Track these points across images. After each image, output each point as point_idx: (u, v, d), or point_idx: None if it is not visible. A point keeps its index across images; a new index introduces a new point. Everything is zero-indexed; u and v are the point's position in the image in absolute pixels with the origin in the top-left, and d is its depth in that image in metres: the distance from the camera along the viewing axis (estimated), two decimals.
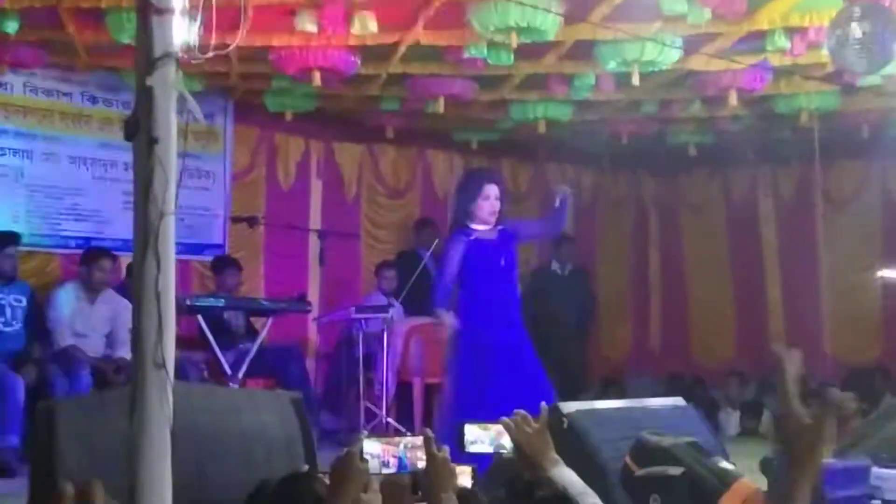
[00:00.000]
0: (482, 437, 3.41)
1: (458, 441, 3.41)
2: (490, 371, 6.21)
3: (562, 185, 6.54)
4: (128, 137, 2.69)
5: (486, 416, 3.53)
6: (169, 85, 2.67)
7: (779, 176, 11.39)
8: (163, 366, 2.56)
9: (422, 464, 2.97)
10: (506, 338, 6.35)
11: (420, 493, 2.91)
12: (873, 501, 4.57)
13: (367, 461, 2.91)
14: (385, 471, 2.97)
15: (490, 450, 3.42)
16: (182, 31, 2.75)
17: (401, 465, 3.12)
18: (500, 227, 6.50)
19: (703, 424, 4.76)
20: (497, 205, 6.44)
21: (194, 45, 2.79)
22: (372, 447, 3.06)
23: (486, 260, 6.41)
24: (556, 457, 3.05)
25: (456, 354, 6.40)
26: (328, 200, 10.17)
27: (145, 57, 2.67)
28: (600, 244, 11.94)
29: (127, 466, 2.55)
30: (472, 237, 6.39)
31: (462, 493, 2.97)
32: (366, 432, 3.11)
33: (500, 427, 3.27)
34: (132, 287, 2.69)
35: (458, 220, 6.51)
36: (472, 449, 3.40)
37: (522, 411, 3.16)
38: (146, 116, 2.64)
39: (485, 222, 6.42)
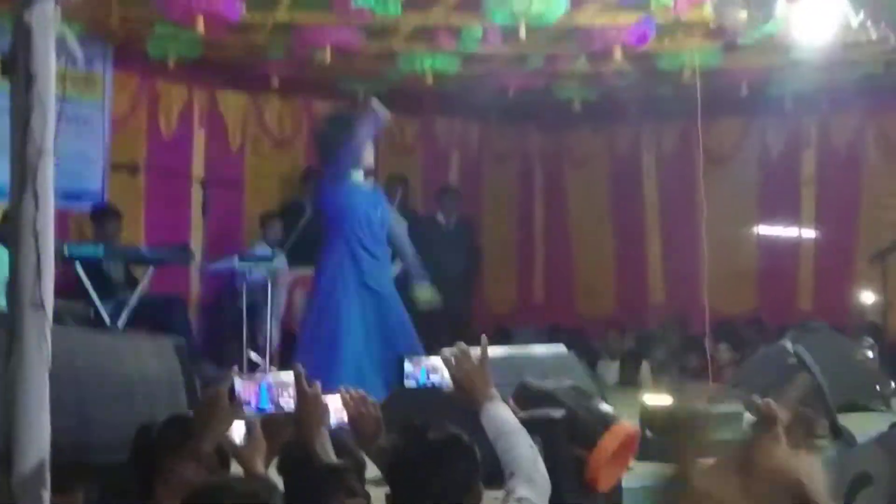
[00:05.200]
0: (415, 373, 3.38)
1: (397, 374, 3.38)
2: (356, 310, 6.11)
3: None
4: (4, 73, 2.63)
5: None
6: (47, 21, 2.61)
7: (661, 132, 11.56)
8: (41, 307, 2.51)
9: (286, 400, 2.92)
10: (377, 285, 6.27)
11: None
12: None
13: (237, 399, 2.84)
14: (245, 409, 2.88)
15: (422, 383, 3.36)
16: None
17: (262, 401, 2.99)
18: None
19: (584, 371, 4.86)
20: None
21: None
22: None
23: (363, 209, 6.21)
24: (495, 392, 3.04)
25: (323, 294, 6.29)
26: (212, 150, 10.00)
27: None
28: (485, 197, 12.00)
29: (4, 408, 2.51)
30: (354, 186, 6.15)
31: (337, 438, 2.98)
32: (236, 368, 3.02)
33: (433, 361, 3.23)
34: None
35: (344, 166, 6.19)
36: (407, 384, 3.35)
37: (463, 344, 3.12)
38: (24, 53, 2.57)
39: (368, 170, 6.22)
